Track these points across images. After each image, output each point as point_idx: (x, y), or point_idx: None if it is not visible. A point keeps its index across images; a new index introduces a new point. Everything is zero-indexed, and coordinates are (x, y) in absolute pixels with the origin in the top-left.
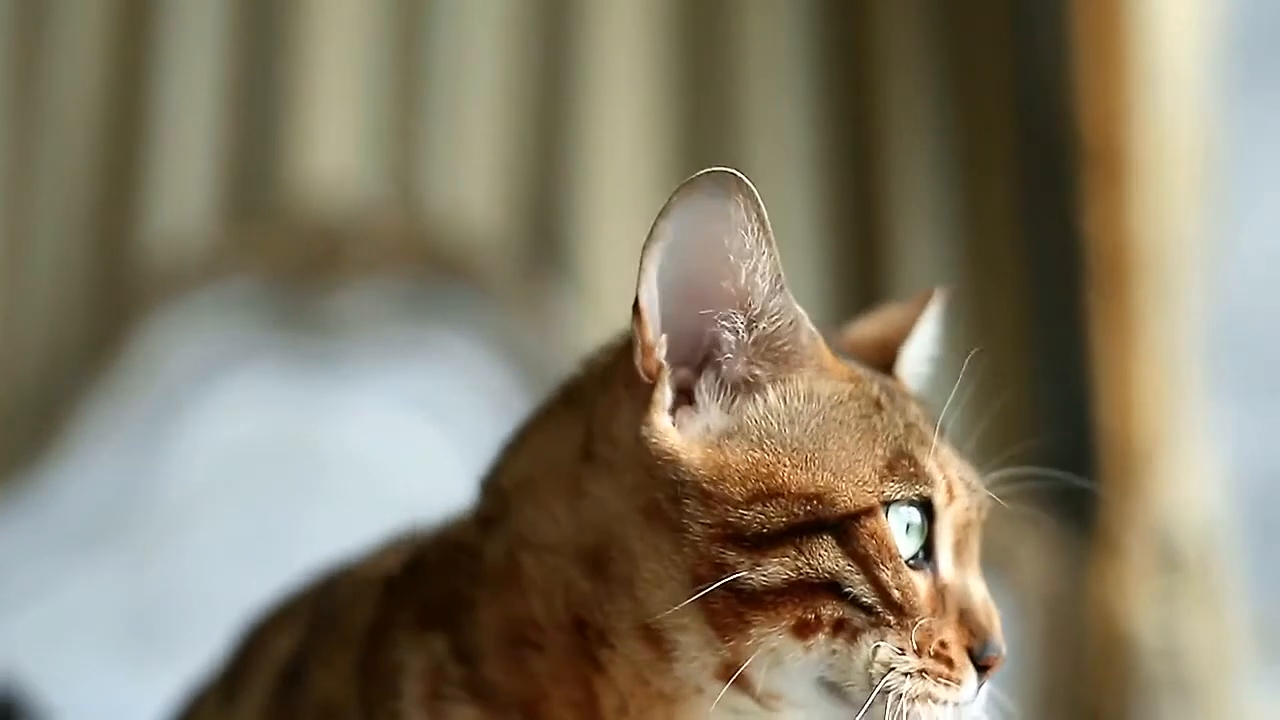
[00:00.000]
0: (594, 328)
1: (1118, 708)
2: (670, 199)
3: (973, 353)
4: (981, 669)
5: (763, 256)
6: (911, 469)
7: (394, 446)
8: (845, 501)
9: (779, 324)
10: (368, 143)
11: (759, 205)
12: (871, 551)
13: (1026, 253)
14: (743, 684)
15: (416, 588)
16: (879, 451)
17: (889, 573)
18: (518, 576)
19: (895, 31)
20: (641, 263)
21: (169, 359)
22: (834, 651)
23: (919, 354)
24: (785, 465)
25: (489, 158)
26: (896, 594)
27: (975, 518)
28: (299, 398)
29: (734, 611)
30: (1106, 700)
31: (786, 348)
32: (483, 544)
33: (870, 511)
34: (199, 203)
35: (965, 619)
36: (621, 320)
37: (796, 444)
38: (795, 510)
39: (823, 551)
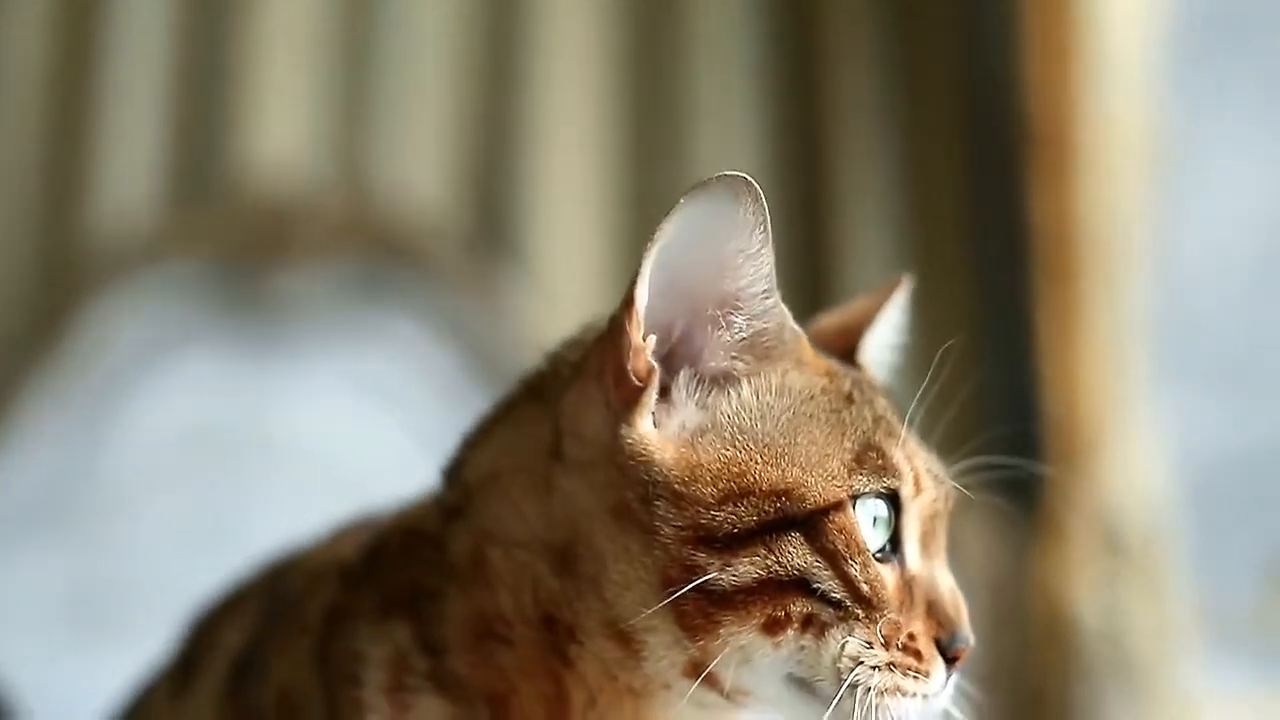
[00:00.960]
0: (542, 311)
1: (1060, 690)
2: (680, 201)
3: (946, 345)
4: (950, 660)
5: (763, 259)
6: (879, 462)
7: (341, 430)
8: (814, 497)
9: (769, 324)
10: (315, 125)
11: (765, 209)
12: (840, 546)
13: (974, 239)
14: (711, 681)
15: (376, 575)
16: (847, 445)
17: (857, 567)
18: (485, 571)
19: (844, 17)
20: (642, 263)
21: (115, 341)
22: (803, 647)
23: (884, 340)
24: (756, 462)
25: (437, 140)
26: (865, 588)
27: (942, 508)
28: (245, 380)
29: (704, 613)
30: (1049, 683)
31: (770, 345)
32: (446, 536)
33: (838, 506)
34: (145, 184)
35: (933, 610)
36: (569, 303)
37: (768, 439)
38: (765, 508)
39: (792, 549)
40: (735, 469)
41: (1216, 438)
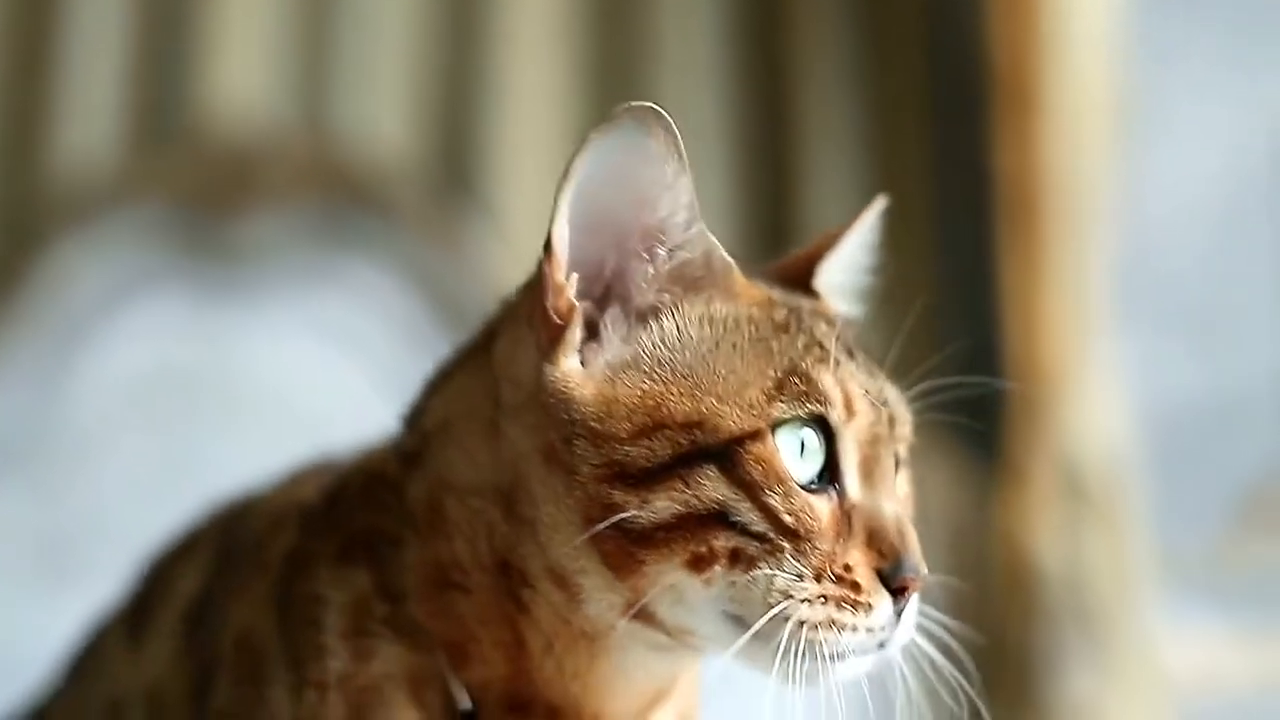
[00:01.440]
0: (506, 255)
1: (1021, 635)
2: (588, 136)
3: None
4: (896, 591)
5: (681, 189)
6: (802, 387)
7: (303, 374)
8: (729, 426)
9: (694, 254)
10: (277, 67)
11: (677, 138)
12: (757, 477)
13: (937, 187)
14: (652, 621)
15: (337, 519)
16: (770, 373)
17: (778, 497)
18: (441, 519)
19: None
20: (555, 201)
21: (75, 286)
22: (733, 583)
23: (851, 263)
24: (672, 395)
25: (400, 83)
26: (788, 518)
27: (885, 434)
28: (207, 325)
29: (626, 552)
30: (1009, 627)
31: (697, 276)
32: (405, 482)
33: (755, 435)
34: (106, 127)
35: (874, 540)
36: (533, 249)
37: (685, 370)
38: (679, 441)
39: (708, 481)
40: (650, 402)
41: (1178, 383)
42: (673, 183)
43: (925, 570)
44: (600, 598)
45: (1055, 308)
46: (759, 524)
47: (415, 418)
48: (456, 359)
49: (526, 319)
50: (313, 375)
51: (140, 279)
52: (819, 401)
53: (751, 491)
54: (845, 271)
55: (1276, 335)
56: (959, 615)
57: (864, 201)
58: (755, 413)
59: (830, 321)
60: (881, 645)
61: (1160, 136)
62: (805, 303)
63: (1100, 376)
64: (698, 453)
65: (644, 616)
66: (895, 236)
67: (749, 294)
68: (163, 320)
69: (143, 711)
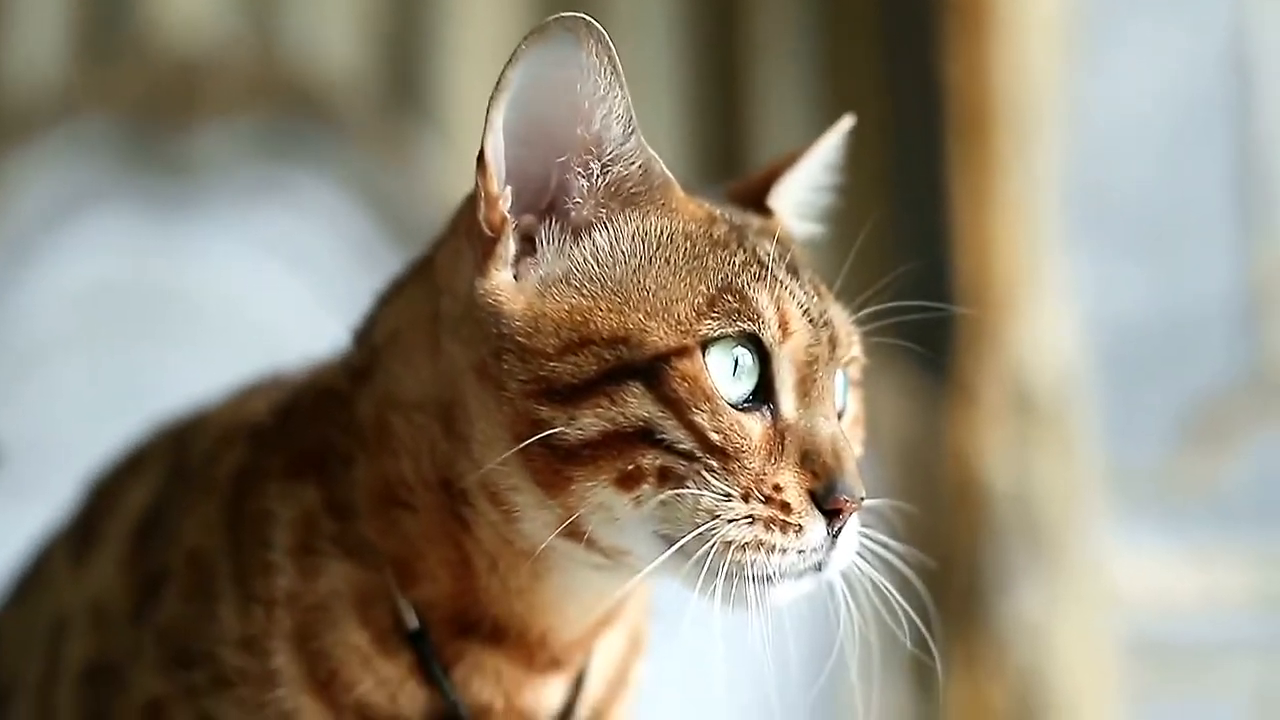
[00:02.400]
0: (454, 169)
1: (970, 553)
2: (518, 48)
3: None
4: (830, 513)
5: (615, 100)
6: (735, 304)
7: (250, 289)
8: (655, 342)
9: (631, 168)
10: None
11: (610, 49)
12: (683, 394)
13: (889, 101)
14: (586, 540)
15: (287, 435)
16: (703, 289)
17: (704, 415)
18: (389, 435)
19: None
20: (488, 114)
21: (21, 201)
22: (663, 503)
23: (811, 181)
24: (600, 310)
25: None
26: (715, 437)
27: (824, 354)
28: (154, 240)
29: (554, 469)
30: (959, 545)
31: (635, 190)
32: (355, 397)
33: (682, 352)
34: (52, 41)
35: (808, 460)
36: None
37: (615, 286)
38: (605, 356)
39: (633, 399)
40: (578, 318)
41: (1129, 302)
42: (605, 94)
43: (862, 493)
44: (533, 515)
45: (1006, 226)
46: (685, 442)
47: (365, 332)
48: (406, 274)
49: (465, 232)
50: (260, 290)
51: (86, 194)
52: (751, 319)
53: (677, 409)
54: (806, 190)
55: (1227, 253)
56: (908, 534)
57: (817, 121)
58: (683, 329)
59: (779, 240)
60: (818, 568)
61: (1112, 54)
62: (755, 221)
63: (1051, 295)
64: (623, 369)
65: (578, 535)
66: (848, 157)
67: (688, 210)
68: (109, 235)
69: (86, 625)
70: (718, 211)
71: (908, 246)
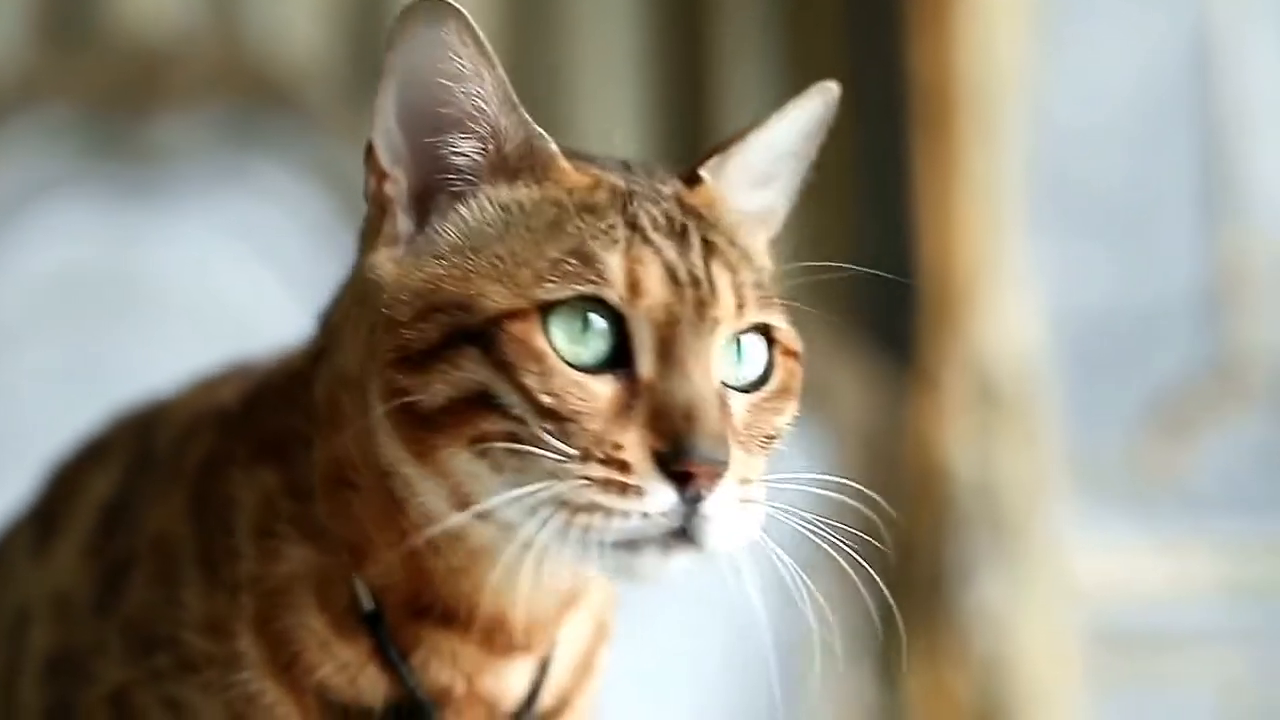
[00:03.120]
0: None
1: (932, 542)
2: (390, 33)
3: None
4: (680, 476)
5: (482, 79)
6: (577, 267)
7: (215, 277)
8: (490, 305)
9: (508, 143)
10: None
11: (472, 28)
12: (512, 356)
13: (852, 88)
14: (477, 513)
15: (252, 421)
16: (550, 253)
17: (535, 377)
18: (338, 414)
19: None
20: (375, 98)
21: None
22: (516, 469)
23: (782, 147)
24: (450, 277)
25: None
26: (547, 399)
27: (688, 314)
28: (118, 228)
29: (418, 438)
30: (921, 534)
31: (515, 164)
32: (313, 378)
33: (516, 314)
34: (14, 28)
35: (656, 421)
36: None
37: (469, 254)
38: (446, 322)
39: (469, 362)
40: (430, 285)
41: (1094, 289)
42: (474, 73)
43: (721, 458)
44: (424, 489)
45: (970, 211)
46: (519, 405)
47: (327, 314)
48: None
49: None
50: (225, 278)
51: (50, 181)
52: (591, 281)
53: (509, 372)
54: (771, 158)
55: (1193, 242)
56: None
57: (779, 103)
58: (518, 292)
59: (682, 204)
60: (688, 538)
61: (1077, 41)
62: (667, 188)
63: (1015, 281)
64: (461, 333)
65: (469, 508)
66: None
67: (569, 179)
68: (73, 223)
69: (48, 615)
70: (610, 179)
71: (871, 234)
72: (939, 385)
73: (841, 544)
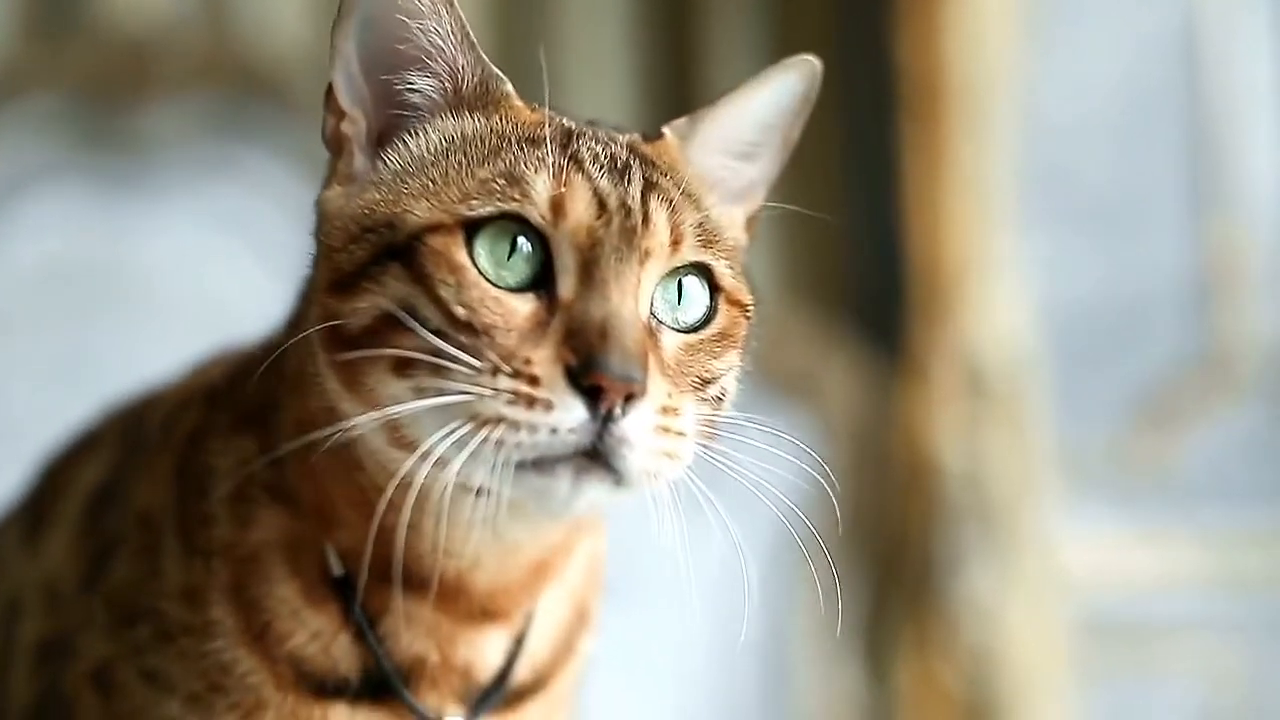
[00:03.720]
0: None
1: (922, 533)
2: None
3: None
4: (591, 391)
5: (441, 17)
6: (502, 186)
7: (202, 266)
8: (414, 221)
9: (466, 81)
10: None
11: None
12: (431, 268)
13: (841, 80)
14: (408, 446)
15: (235, 392)
16: (480, 175)
17: (451, 289)
18: (305, 376)
19: None
20: (332, 40)
21: None
22: (436, 391)
23: (757, 119)
24: (383, 201)
25: None
26: (461, 311)
27: (614, 238)
28: (106, 218)
29: (346, 365)
30: (911, 524)
31: (468, 100)
32: (288, 345)
33: (436, 228)
34: (2, 17)
35: (571, 338)
36: None
37: (405, 178)
38: (373, 240)
39: (391, 279)
40: (366, 209)
41: (1081, 282)
42: (431, 10)
43: (632, 375)
44: (361, 425)
45: (958, 204)
46: (435, 318)
47: (301, 285)
48: None
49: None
50: (212, 267)
51: (38, 171)
52: (515, 199)
53: (428, 284)
54: (744, 126)
55: (1180, 234)
56: (859, 512)
57: None
58: (442, 208)
59: (630, 148)
60: (598, 459)
61: (1065, 34)
62: (621, 137)
63: (1003, 274)
64: (386, 250)
65: (406, 445)
66: (800, 135)
67: (517, 115)
68: (61, 213)
69: (38, 606)
70: (560, 119)
71: (860, 226)
72: (927, 377)
73: (792, 514)
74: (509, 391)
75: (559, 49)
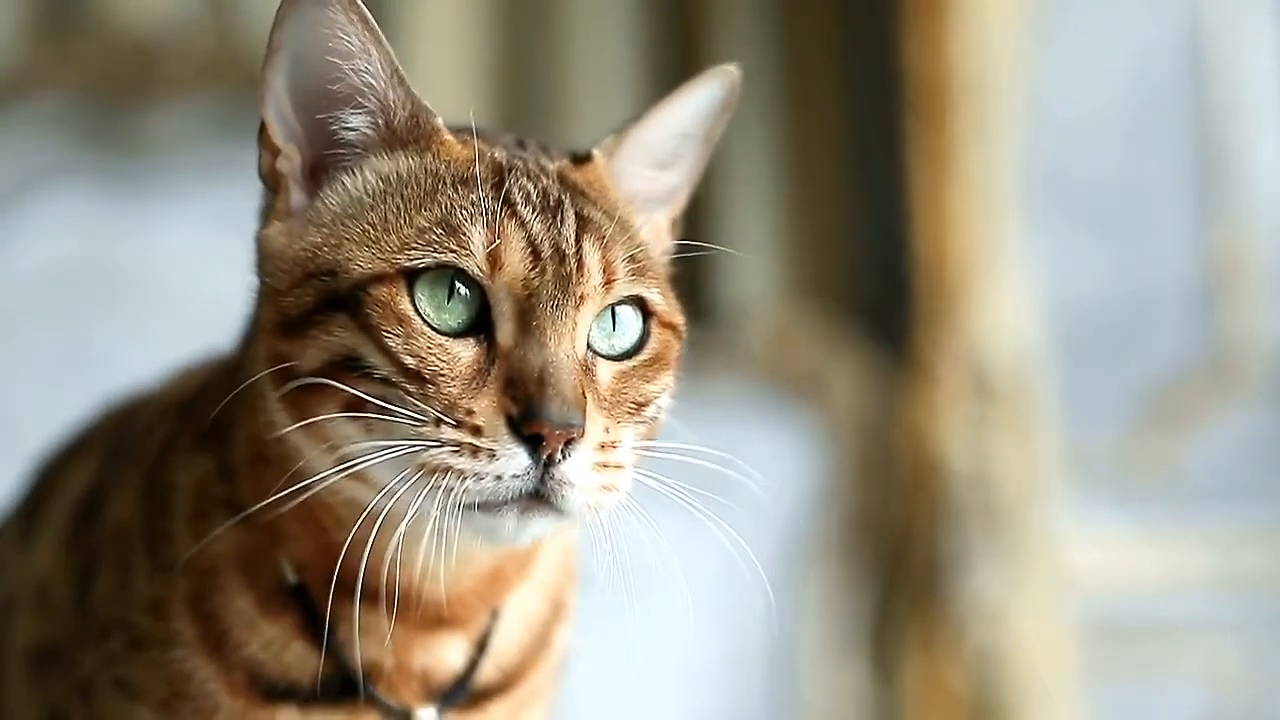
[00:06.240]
0: None
1: (928, 533)
2: (278, 11)
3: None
4: (531, 439)
5: (370, 55)
6: (440, 237)
7: (206, 269)
8: (356, 270)
9: (398, 116)
10: None
11: (358, 6)
12: (377, 319)
13: (846, 81)
14: (359, 476)
15: (199, 408)
16: (420, 222)
17: (397, 339)
18: (256, 393)
19: None
20: (263, 75)
21: None
22: (385, 431)
23: (676, 128)
24: (325, 245)
25: None
26: (409, 360)
27: (550, 288)
28: (111, 218)
29: (296, 405)
30: (917, 525)
31: (400, 136)
32: (243, 361)
33: (380, 279)
34: (9, 18)
35: (511, 387)
36: None
37: (344, 222)
38: (318, 287)
39: (339, 327)
40: (307, 253)
41: (1088, 282)
42: (360, 49)
43: (571, 421)
44: (310, 455)
45: (964, 206)
46: (383, 367)
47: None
48: None
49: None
50: (217, 268)
51: (44, 172)
52: (452, 251)
53: (374, 335)
54: (667, 136)
55: (1185, 234)
56: (866, 511)
57: (775, 97)
58: (383, 257)
59: (560, 179)
60: (543, 499)
61: (1070, 34)
62: (550, 165)
63: (1009, 274)
64: (331, 299)
65: (358, 475)
66: (806, 135)
67: (450, 152)
68: (67, 213)
69: (31, 607)
70: (492, 154)
71: (866, 227)
72: (933, 377)
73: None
74: (453, 442)
75: (563, 52)
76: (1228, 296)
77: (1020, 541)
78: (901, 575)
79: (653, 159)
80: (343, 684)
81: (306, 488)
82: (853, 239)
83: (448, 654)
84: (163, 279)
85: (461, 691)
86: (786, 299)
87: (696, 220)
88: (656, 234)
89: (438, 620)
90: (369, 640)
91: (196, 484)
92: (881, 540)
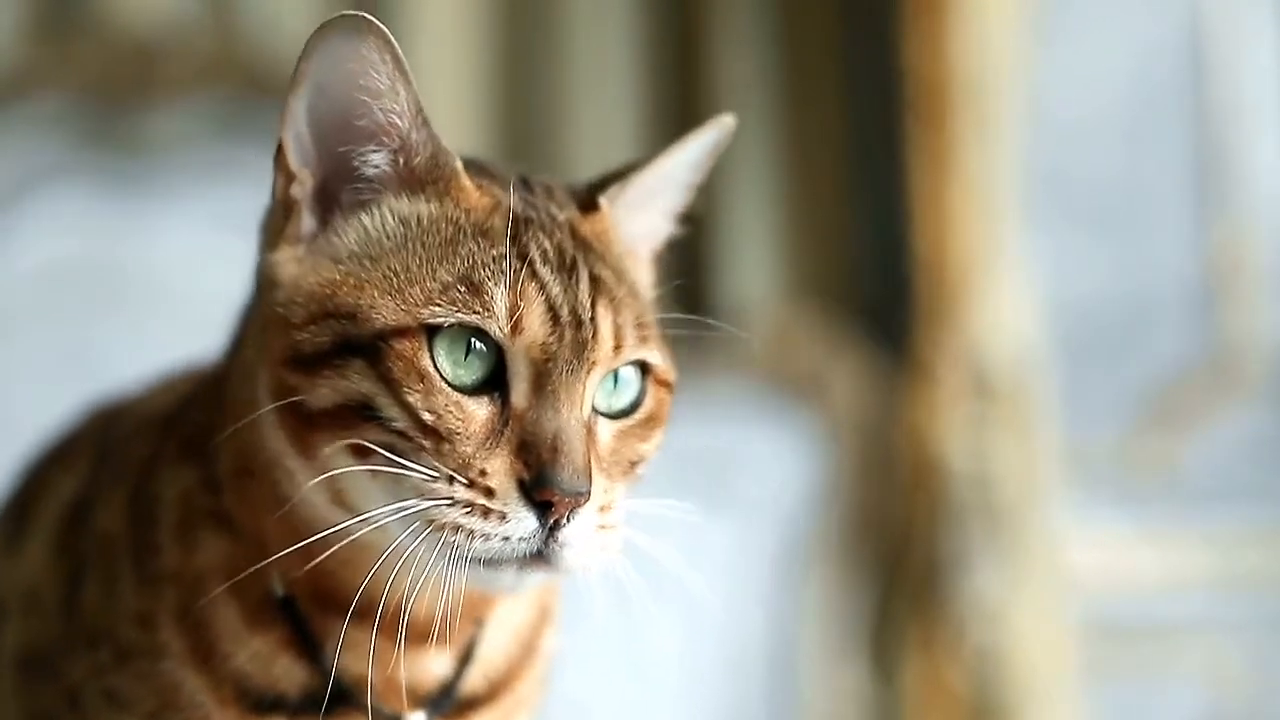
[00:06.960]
0: None
1: (928, 533)
2: (308, 42)
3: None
4: (541, 505)
5: (398, 95)
6: (465, 295)
7: (207, 269)
8: (379, 320)
9: (416, 157)
10: None
11: (392, 45)
12: (398, 373)
13: (846, 81)
14: (348, 507)
15: (184, 419)
16: (442, 276)
17: (418, 395)
18: (241, 405)
19: None
20: (286, 102)
21: None
22: (393, 478)
23: (673, 178)
24: (345, 286)
25: None
26: (428, 416)
27: (567, 353)
28: (111, 219)
29: (303, 434)
30: (917, 525)
31: (420, 177)
32: (229, 372)
33: (403, 332)
34: (9, 18)
35: (524, 450)
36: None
37: (366, 264)
38: (336, 329)
39: (355, 373)
40: (326, 290)
41: (1088, 282)
42: (389, 88)
43: (580, 489)
44: (305, 482)
45: (964, 206)
46: (400, 420)
47: (242, 311)
48: None
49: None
50: (217, 268)
51: (44, 172)
52: (476, 311)
53: (393, 387)
54: (666, 188)
55: (1186, 234)
56: (866, 511)
57: (774, 99)
58: (406, 310)
59: (575, 236)
60: (544, 559)
61: (1070, 34)
62: (562, 215)
63: (1009, 274)
64: (349, 344)
65: (350, 509)
66: (806, 136)
67: (470, 199)
68: (67, 213)
69: (21, 612)
70: (509, 203)
71: (866, 227)
72: (933, 378)
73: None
74: (465, 502)
75: (563, 53)
76: (1228, 296)
77: (1020, 541)
78: (901, 575)
79: (649, 204)
80: (331, 695)
81: (311, 531)
82: (853, 239)
83: (432, 666)
84: (163, 279)
85: (447, 701)
86: (786, 299)
87: (697, 220)
88: (648, 277)
89: (425, 635)
90: (354, 655)
91: (182, 496)
92: (881, 540)
